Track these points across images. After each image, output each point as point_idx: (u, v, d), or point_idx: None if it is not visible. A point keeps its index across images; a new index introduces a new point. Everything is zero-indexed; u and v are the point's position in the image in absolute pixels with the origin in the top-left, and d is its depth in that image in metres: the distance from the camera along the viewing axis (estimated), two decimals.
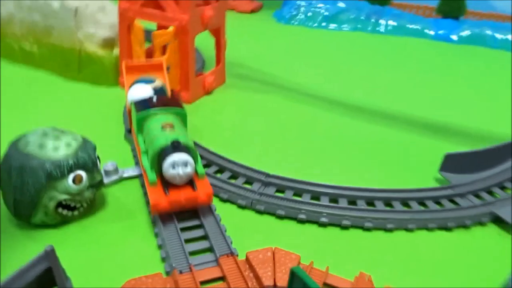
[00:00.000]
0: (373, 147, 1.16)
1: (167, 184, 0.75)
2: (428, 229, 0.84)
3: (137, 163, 0.96)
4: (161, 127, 0.79)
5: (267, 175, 0.93)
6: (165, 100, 0.90)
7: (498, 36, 2.28)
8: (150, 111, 0.85)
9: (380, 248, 0.79)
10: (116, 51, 1.41)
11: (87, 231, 0.78)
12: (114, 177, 0.90)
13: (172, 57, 1.28)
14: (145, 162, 0.78)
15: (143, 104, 0.88)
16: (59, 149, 0.74)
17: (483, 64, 2.02)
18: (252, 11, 2.65)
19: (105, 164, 0.90)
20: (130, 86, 0.98)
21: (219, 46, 1.45)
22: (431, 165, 1.05)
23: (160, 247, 0.74)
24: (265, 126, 1.24)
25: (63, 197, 0.74)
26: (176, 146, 0.74)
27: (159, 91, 0.95)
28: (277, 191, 0.90)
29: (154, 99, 0.89)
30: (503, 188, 0.97)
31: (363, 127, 1.27)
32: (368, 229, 0.82)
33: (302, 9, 2.47)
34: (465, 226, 0.86)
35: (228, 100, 1.39)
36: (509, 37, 2.27)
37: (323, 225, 0.83)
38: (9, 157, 0.73)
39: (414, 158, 1.11)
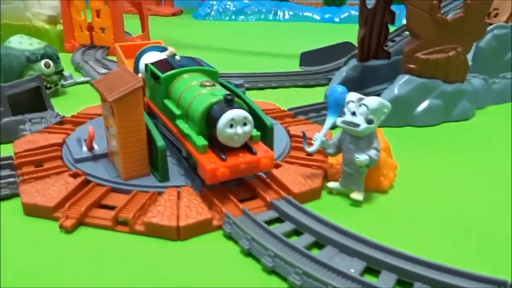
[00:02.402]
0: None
1: (219, 148, 0.62)
2: (285, 86, 1.30)
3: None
4: (199, 85, 0.67)
5: None
6: (189, 59, 0.80)
7: None
8: (180, 69, 0.73)
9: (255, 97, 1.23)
10: (60, 26, 1.78)
11: (54, 102, 1.14)
12: (71, 81, 1.27)
13: (105, 21, 1.68)
14: (184, 125, 0.66)
15: (165, 65, 0.76)
16: (33, 45, 1.11)
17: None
18: (174, 15, 3.11)
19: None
20: (138, 56, 0.87)
21: (142, 17, 1.87)
22: None
23: None
24: None
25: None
26: (230, 100, 0.61)
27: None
28: None
29: (178, 58, 0.78)
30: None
31: (257, 63, 1.74)
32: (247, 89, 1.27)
33: (215, 7, 2.98)
34: (310, 86, 1.33)
35: None
36: None
37: None
38: None
39: None
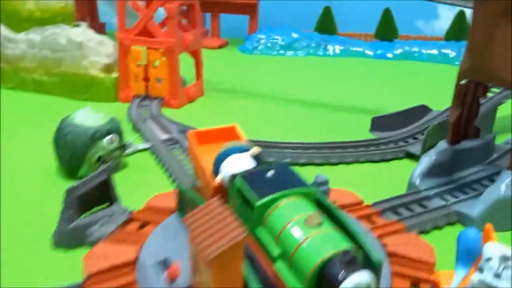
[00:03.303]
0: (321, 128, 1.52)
1: None
2: (360, 162, 1.19)
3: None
4: (304, 223, 0.57)
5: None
6: (282, 171, 0.69)
7: (424, 51, 2.78)
8: (277, 195, 0.63)
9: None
10: (115, 74, 1.74)
11: (116, 179, 1.07)
12: (132, 149, 1.21)
13: (162, 72, 1.63)
14: (287, 274, 0.56)
15: (257, 183, 0.65)
16: (98, 120, 1.06)
17: (412, 73, 2.49)
18: (220, 47, 3.06)
19: None
20: (220, 159, 0.75)
21: (198, 64, 1.81)
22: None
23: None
24: (238, 118, 1.59)
25: (102, 153, 1.05)
26: (350, 262, 0.52)
27: (258, 160, 0.75)
28: None
29: (270, 174, 0.67)
30: (415, 137, 1.33)
31: (314, 118, 1.65)
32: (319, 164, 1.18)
33: (262, 41, 2.91)
34: (387, 160, 1.21)
35: (208, 106, 1.75)
36: (433, 52, 2.77)
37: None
38: (63, 127, 1.04)
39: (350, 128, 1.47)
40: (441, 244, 0.81)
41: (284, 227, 0.60)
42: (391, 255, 0.76)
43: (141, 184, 1.05)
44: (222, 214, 0.57)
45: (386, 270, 0.72)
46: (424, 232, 0.87)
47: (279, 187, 0.65)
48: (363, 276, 0.51)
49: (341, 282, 0.50)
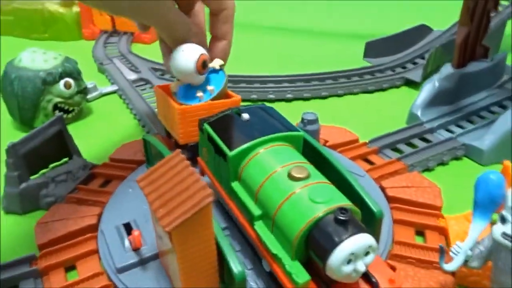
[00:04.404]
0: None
1: (320, 276, 0.43)
2: (353, 93, 1.06)
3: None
4: (288, 176, 0.47)
5: None
6: (263, 117, 0.58)
7: None
8: (253, 142, 0.52)
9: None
10: (76, 8, 1.54)
11: (79, 128, 0.94)
12: (95, 93, 1.07)
13: None
14: (269, 237, 0.46)
15: (229, 128, 0.56)
16: (48, 61, 0.90)
17: None
18: None
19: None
20: None
21: None
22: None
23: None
24: None
25: (58, 99, 0.91)
26: (345, 221, 0.41)
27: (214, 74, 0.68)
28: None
29: (246, 117, 0.57)
30: (414, 62, 1.20)
31: (299, 46, 1.49)
32: (308, 99, 1.05)
33: None
34: (383, 89, 1.09)
35: None
36: None
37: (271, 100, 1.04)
38: (8, 73, 0.89)
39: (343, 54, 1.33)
40: (447, 183, 0.71)
41: (263, 181, 0.49)
42: (392, 199, 0.66)
43: (106, 133, 0.93)
44: (184, 172, 0.45)
45: (387, 217, 0.62)
46: (427, 169, 0.77)
47: (255, 133, 0.53)
48: (363, 238, 0.40)
49: (336, 246, 0.40)
